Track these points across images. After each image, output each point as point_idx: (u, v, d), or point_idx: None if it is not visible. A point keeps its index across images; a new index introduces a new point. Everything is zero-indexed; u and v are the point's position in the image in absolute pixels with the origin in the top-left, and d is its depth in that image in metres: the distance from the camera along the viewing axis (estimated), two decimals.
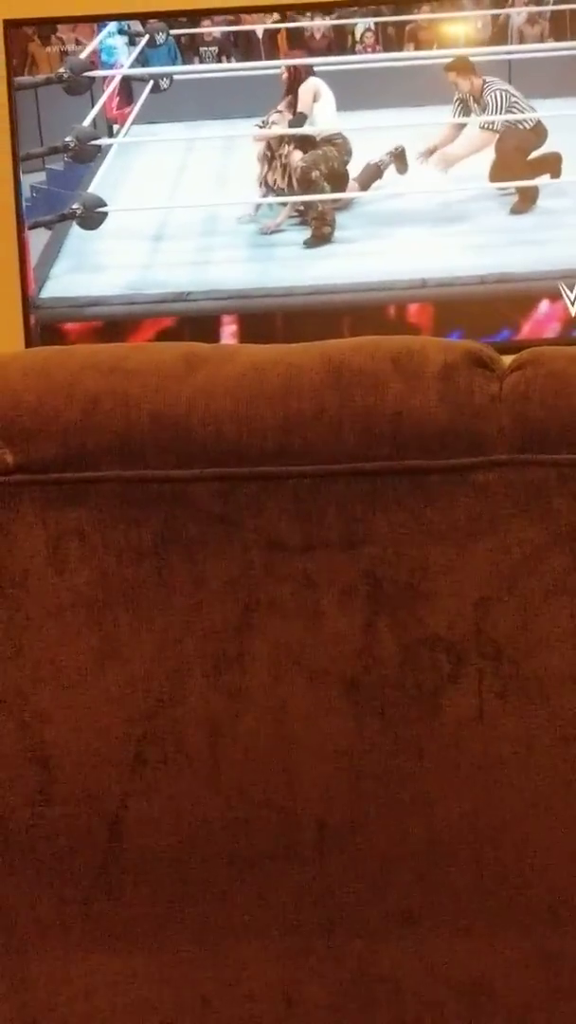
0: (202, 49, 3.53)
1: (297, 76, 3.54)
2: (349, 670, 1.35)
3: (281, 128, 3.55)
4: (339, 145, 3.55)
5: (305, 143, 3.55)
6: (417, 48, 3.51)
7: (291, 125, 3.55)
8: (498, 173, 3.53)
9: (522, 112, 3.52)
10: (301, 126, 3.56)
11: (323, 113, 3.56)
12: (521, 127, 3.52)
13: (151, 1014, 1.40)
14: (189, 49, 3.53)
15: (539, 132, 3.54)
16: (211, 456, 1.34)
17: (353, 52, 3.53)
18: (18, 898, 1.40)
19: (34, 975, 1.41)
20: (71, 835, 1.38)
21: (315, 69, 3.51)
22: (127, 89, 3.59)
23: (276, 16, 3.50)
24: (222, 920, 1.39)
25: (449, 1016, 1.39)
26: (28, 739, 1.37)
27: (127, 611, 1.35)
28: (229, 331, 3.52)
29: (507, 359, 1.40)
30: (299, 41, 3.53)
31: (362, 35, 3.52)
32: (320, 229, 3.55)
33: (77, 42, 3.49)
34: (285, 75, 3.54)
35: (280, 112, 3.55)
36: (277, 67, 3.52)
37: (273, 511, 1.34)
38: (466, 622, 1.35)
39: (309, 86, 3.53)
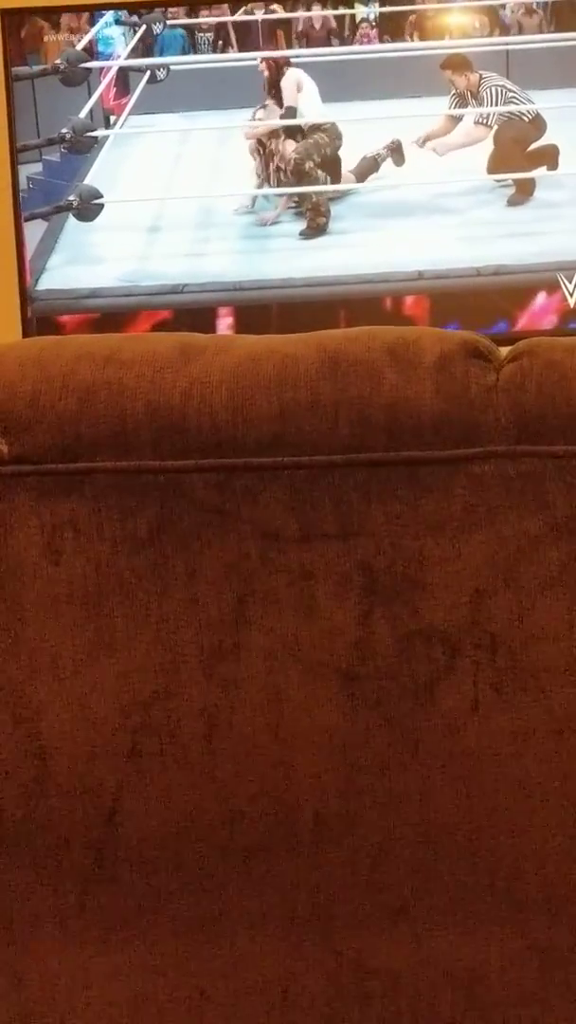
0: (198, 35, 3.52)
1: (278, 70, 3.53)
2: (344, 661, 1.35)
3: (268, 122, 3.54)
4: (328, 131, 3.54)
5: (295, 133, 3.55)
6: (414, 39, 3.51)
7: (283, 119, 3.54)
8: (496, 165, 3.53)
9: (520, 105, 3.52)
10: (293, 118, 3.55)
11: (308, 102, 3.55)
12: (521, 119, 3.52)
13: (147, 1006, 1.40)
14: (186, 37, 3.53)
15: (538, 124, 3.53)
16: (206, 447, 1.34)
17: (351, 43, 3.52)
18: (13, 890, 1.40)
19: (29, 968, 1.41)
20: (66, 827, 1.38)
21: (295, 60, 3.49)
22: (124, 79, 3.58)
23: (273, 5, 3.49)
24: (218, 912, 1.39)
25: (444, 1008, 1.39)
26: (23, 731, 1.37)
27: (122, 602, 1.35)
28: (225, 323, 3.51)
29: (504, 350, 1.39)
30: (293, 31, 3.52)
31: (359, 24, 3.51)
32: (315, 220, 3.54)
33: (72, 31, 3.48)
34: (266, 72, 3.52)
35: (266, 107, 3.54)
36: (273, 57, 3.51)
37: (268, 502, 1.34)
38: (462, 614, 1.35)
39: (291, 79, 3.53)
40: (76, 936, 1.40)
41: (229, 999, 1.39)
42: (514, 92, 3.50)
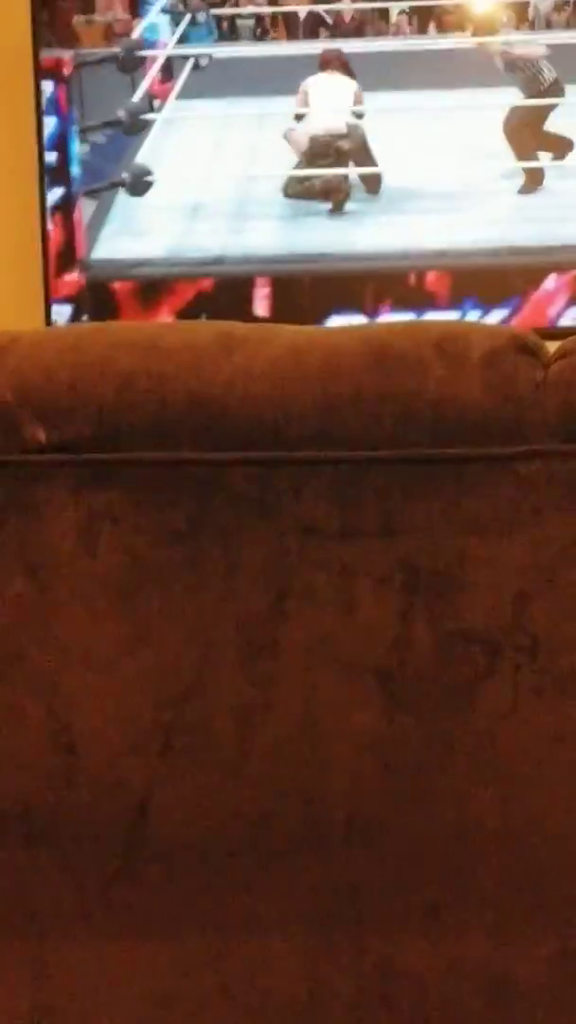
0: (239, 23, 3.33)
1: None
2: (382, 661, 1.16)
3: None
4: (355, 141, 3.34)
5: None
6: (443, 31, 3.29)
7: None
8: (512, 140, 3.28)
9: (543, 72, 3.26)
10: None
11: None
12: (540, 78, 3.25)
13: (171, 1004, 1.20)
14: (227, 26, 3.35)
15: (556, 89, 3.26)
16: (247, 439, 1.15)
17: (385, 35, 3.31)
18: (38, 883, 1.20)
19: (54, 962, 1.21)
20: (95, 822, 1.18)
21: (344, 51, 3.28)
22: (167, 66, 3.40)
23: None
24: (245, 911, 1.19)
25: (471, 1012, 1.19)
26: (55, 723, 1.17)
27: (158, 596, 1.16)
28: (262, 293, 3.34)
29: (552, 346, 1.19)
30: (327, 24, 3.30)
31: (397, 16, 3.30)
32: (335, 198, 3.36)
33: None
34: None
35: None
36: (313, 48, 3.31)
37: (310, 497, 1.15)
38: (503, 615, 1.15)
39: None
40: (101, 931, 1.20)
41: (254, 998, 1.19)
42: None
